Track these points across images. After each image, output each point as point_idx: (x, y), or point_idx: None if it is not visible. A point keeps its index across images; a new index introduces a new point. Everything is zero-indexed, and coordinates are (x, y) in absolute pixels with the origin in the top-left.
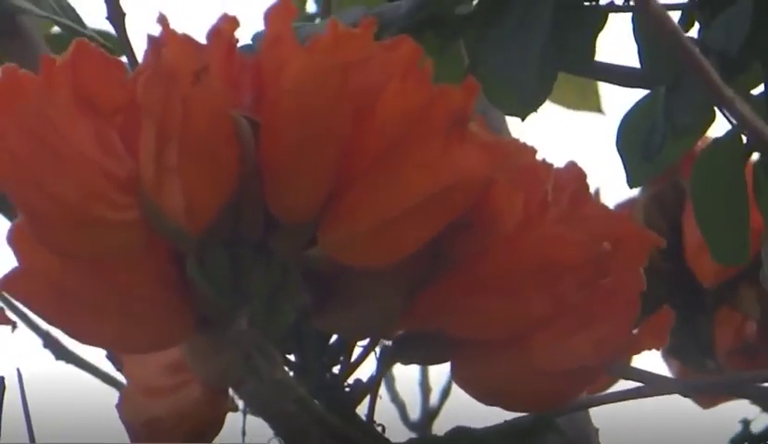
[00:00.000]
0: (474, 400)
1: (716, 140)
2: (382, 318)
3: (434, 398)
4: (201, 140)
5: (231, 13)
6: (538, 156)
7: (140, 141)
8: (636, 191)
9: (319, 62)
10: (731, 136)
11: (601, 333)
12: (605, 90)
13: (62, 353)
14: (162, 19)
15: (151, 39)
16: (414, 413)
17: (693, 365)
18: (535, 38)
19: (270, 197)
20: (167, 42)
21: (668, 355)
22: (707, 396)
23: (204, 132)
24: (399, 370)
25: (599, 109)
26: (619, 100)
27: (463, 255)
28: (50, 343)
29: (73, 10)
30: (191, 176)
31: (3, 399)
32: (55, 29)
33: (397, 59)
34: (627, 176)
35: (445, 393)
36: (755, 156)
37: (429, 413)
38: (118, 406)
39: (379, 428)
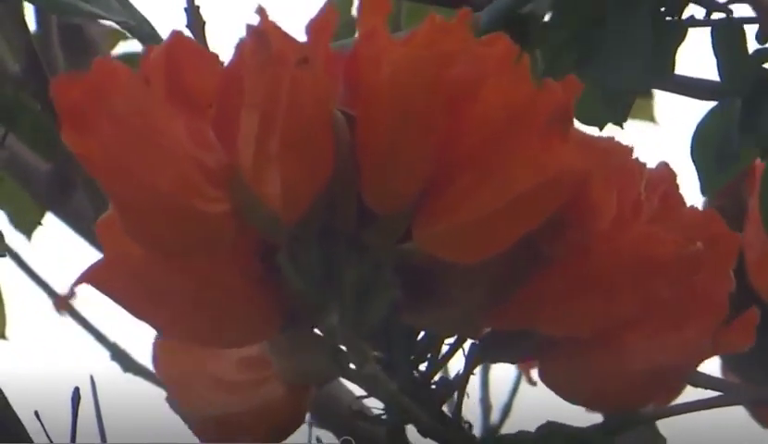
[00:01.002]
0: (535, 419)
1: None
2: (473, 316)
3: (495, 415)
4: (303, 126)
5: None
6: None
7: (232, 133)
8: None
9: (417, 53)
10: None
11: (690, 332)
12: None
13: (129, 365)
14: (261, 11)
15: (250, 27)
16: (476, 430)
17: (755, 382)
18: (636, 51)
19: (365, 188)
20: (270, 31)
21: (729, 373)
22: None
23: (307, 119)
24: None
25: (652, 119)
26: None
27: (557, 254)
28: (118, 355)
29: (148, 23)
30: (290, 163)
31: (78, 408)
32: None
33: (494, 54)
34: (701, 184)
35: (506, 410)
36: None
37: (490, 431)
38: (171, 400)
39: (466, 426)
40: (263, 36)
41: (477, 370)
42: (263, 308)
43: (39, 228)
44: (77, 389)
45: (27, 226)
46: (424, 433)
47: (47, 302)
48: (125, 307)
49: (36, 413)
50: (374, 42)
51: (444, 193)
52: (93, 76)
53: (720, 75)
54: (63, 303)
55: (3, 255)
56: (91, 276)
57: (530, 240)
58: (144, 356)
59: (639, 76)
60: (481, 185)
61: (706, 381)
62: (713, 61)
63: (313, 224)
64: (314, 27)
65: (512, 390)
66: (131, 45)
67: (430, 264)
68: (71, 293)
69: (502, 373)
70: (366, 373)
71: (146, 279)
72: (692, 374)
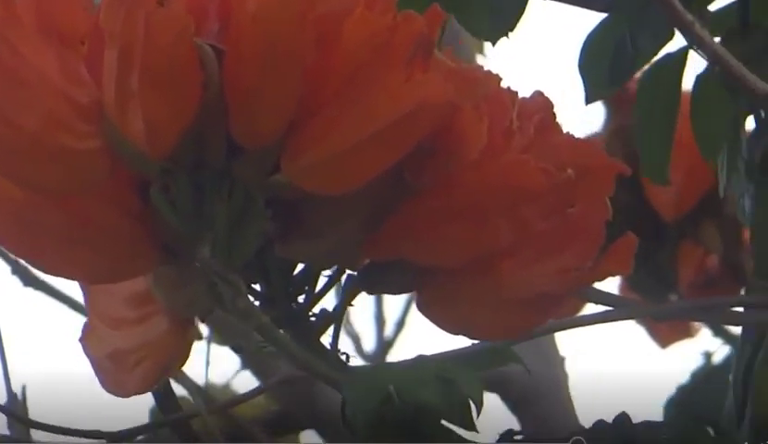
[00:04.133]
0: (428, 333)
1: (663, 57)
2: (346, 246)
3: (389, 330)
4: (162, 64)
5: None
6: (504, 84)
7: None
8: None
9: None
10: (676, 55)
11: (567, 261)
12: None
13: (30, 281)
14: None
15: None
16: (369, 344)
17: (654, 299)
18: None
19: (233, 123)
20: None
21: (627, 290)
22: (665, 333)
23: (166, 56)
24: (354, 302)
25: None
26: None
27: (427, 183)
28: (18, 270)
29: None
30: (151, 99)
31: None
32: None
33: None
34: (587, 93)
35: (400, 325)
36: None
37: (384, 345)
38: (81, 340)
39: (343, 357)
40: None
41: None
42: (139, 243)
43: None
44: None
45: None
46: (299, 366)
47: None
48: (3, 245)
49: None
50: None
51: (310, 127)
52: None
53: None
54: None
55: None
56: None
57: (400, 169)
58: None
59: None
60: (344, 118)
61: (601, 297)
62: None
63: (183, 158)
64: None
65: (405, 305)
66: None
67: (301, 196)
68: None
69: None
70: (239, 305)
71: (23, 216)
72: (588, 290)
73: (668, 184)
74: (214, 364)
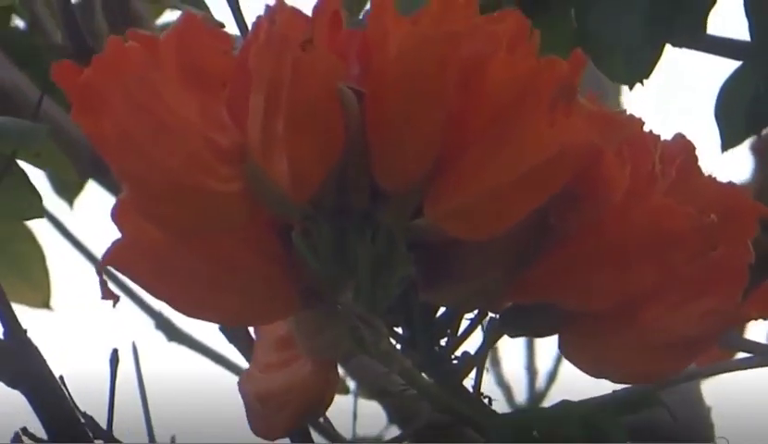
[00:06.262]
0: (581, 384)
1: None
2: (489, 289)
3: (540, 381)
4: (308, 107)
5: None
6: (646, 128)
7: (246, 112)
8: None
9: (425, 31)
10: None
11: (710, 305)
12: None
13: (174, 334)
14: None
15: (264, 9)
16: (521, 396)
17: None
18: (640, 6)
19: (376, 167)
20: (279, 11)
21: None
22: None
23: (312, 99)
24: (505, 353)
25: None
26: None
27: (571, 228)
28: (162, 324)
29: None
30: (296, 142)
31: (117, 369)
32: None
33: (503, 31)
34: (723, 141)
35: (552, 376)
36: None
37: (536, 397)
38: (239, 383)
39: (486, 400)
40: (271, 17)
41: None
42: (280, 286)
43: (81, 195)
44: (115, 351)
45: (69, 193)
46: (440, 409)
47: (90, 271)
48: (144, 288)
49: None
50: (381, 20)
51: (453, 171)
52: (106, 55)
53: (752, 36)
54: (108, 294)
55: (41, 217)
56: (111, 257)
57: (544, 214)
58: (189, 325)
59: (637, 31)
60: (487, 162)
61: (747, 345)
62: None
63: (325, 202)
64: (318, 8)
65: (557, 356)
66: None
67: (444, 240)
68: (104, 282)
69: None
70: (382, 349)
71: (164, 260)
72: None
73: None
74: (361, 420)
